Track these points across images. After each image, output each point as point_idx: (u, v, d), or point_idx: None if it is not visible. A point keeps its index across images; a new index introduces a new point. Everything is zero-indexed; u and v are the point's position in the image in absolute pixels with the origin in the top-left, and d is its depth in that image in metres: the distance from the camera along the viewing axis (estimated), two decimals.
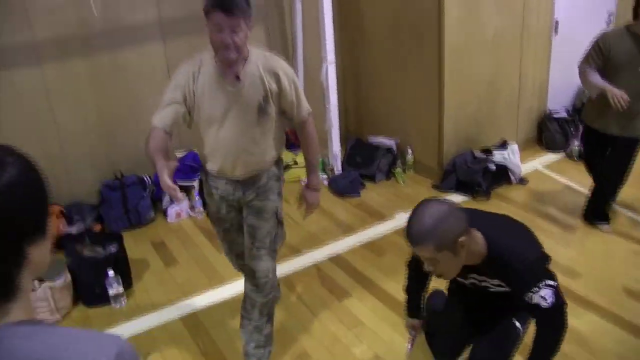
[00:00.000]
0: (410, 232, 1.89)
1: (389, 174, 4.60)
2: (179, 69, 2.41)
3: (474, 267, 2.06)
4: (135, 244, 3.93)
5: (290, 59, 4.90)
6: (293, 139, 4.84)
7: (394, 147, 4.66)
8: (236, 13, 2.17)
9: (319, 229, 4.01)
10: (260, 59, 2.36)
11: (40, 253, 0.94)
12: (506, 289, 2.09)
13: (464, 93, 4.36)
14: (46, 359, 0.84)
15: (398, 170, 4.55)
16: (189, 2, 4.29)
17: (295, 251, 3.77)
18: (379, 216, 4.11)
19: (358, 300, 3.23)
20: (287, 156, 4.74)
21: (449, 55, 4.16)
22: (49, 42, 3.95)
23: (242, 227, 2.62)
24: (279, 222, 2.63)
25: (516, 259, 1.95)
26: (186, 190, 4.34)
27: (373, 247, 3.74)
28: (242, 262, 2.75)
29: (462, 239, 1.86)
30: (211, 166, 2.51)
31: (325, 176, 4.66)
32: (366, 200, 4.36)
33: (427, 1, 4.11)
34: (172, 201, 4.30)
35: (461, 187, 4.26)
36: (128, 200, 4.14)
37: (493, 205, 4.10)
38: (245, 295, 2.67)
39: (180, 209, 4.30)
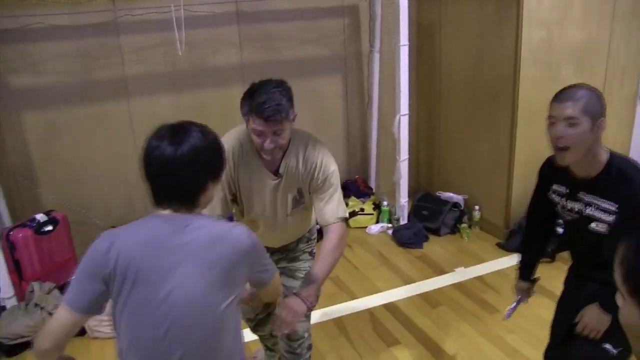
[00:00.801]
0: (563, 91, 1.97)
1: (454, 229, 4.58)
2: None
3: (586, 182, 2.01)
4: None
5: (365, 109, 5.05)
6: (362, 187, 4.96)
7: (462, 203, 4.65)
8: (279, 119, 2.03)
9: (377, 276, 4.05)
10: (301, 150, 2.26)
11: (211, 191, 1.65)
12: (609, 222, 1.95)
13: (536, 155, 4.28)
14: (221, 233, 1.57)
15: (464, 226, 4.53)
16: (268, 47, 4.57)
17: (351, 296, 3.82)
18: (439, 270, 4.09)
19: (407, 348, 3.22)
20: (355, 204, 4.84)
21: (522, 117, 4.15)
22: (137, 78, 4.31)
23: None
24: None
25: (637, 172, 1.91)
26: None
27: (428, 298, 3.72)
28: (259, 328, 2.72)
29: (602, 119, 1.92)
30: None
31: (389, 225, 4.71)
32: (428, 252, 4.36)
33: (503, 62, 4.15)
34: None
35: None
36: None
37: (557, 268, 3.97)
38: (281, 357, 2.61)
39: None
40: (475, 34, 4.40)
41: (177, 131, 1.62)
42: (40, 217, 3.78)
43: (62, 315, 1.54)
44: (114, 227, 4.18)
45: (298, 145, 2.26)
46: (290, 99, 2.10)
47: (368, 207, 4.82)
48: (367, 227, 4.74)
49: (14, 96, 4.04)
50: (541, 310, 3.44)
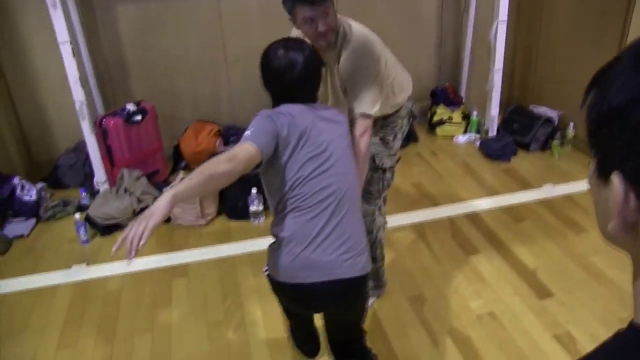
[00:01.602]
0: None
1: (545, 145, 4.36)
2: None
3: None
4: None
5: (462, 14, 4.79)
6: (452, 95, 4.78)
7: (556, 119, 4.40)
8: (321, 1, 2.10)
9: (461, 186, 3.95)
10: (353, 45, 2.27)
11: None
12: None
13: None
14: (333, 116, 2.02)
15: (555, 142, 4.29)
16: None
17: (433, 203, 3.76)
18: (526, 184, 3.94)
19: (485, 258, 3.16)
20: (443, 112, 4.69)
21: (634, 33, 3.81)
22: None
23: None
24: (378, 168, 2.56)
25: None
26: None
27: (512, 212, 3.61)
28: None
29: None
30: None
31: (477, 136, 4.55)
32: (516, 167, 4.20)
33: None
34: None
35: None
36: None
37: None
38: None
39: None
40: None
41: (294, 45, 1.99)
42: (131, 106, 3.88)
43: (247, 147, 1.75)
44: (200, 120, 4.32)
45: (348, 37, 2.28)
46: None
47: (457, 116, 4.66)
48: (454, 136, 4.60)
49: None
50: None
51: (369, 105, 2.27)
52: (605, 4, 3.93)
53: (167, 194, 1.60)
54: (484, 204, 3.72)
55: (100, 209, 3.57)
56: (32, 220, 3.69)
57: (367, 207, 2.60)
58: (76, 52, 3.60)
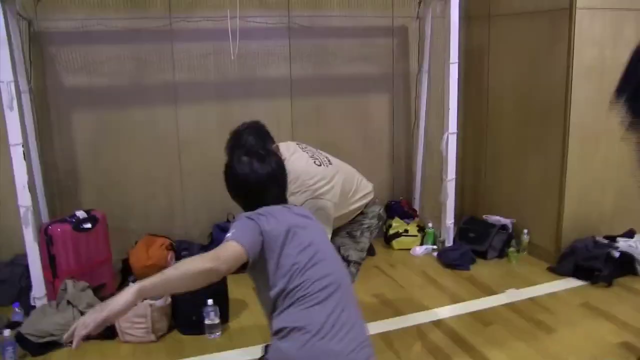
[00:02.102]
0: None
1: (502, 253, 4.38)
2: None
3: None
4: (237, 286, 3.88)
5: (412, 129, 4.95)
6: (407, 208, 4.82)
7: (510, 227, 4.46)
8: None
9: (423, 295, 3.85)
10: None
11: None
12: None
13: (589, 179, 4.16)
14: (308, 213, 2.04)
15: (512, 250, 4.32)
16: (318, 63, 4.56)
17: (397, 312, 3.62)
18: (489, 291, 3.88)
19: None
20: (399, 225, 4.69)
21: (574, 138, 4.03)
22: (188, 85, 4.29)
23: None
24: (343, 259, 2.59)
25: None
26: None
27: (479, 317, 3.50)
28: None
29: None
30: None
31: (434, 247, 4.53)
32: (476, 274, 4.15)
33: (554, 81, 4.05)
34: None
35: (579, 272, 3.95)
36: None
37: (614, 294, 3.76)
38: None
39: None
40: (526, 53, 4.33)
41: (255, 150, 2.10)
42: (80, 213, 3.69)
43: (230, 245, 1.69)
44: (151, 234, 4.13)
45: None
46: (261, 137, 2.53)
47: (412, 228, 4.65)
48: (411, 248, 4.56)
49: (68, 95, 4.06)
50: (605, 334, 3.25)
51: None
52: (545, 113, 4.16)
53: (133, 286, 1.50)
54: (449, 310, 3.61)
55: (36, 325, 3.23)
56: None
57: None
58: (27, 156, 3.45)
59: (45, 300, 3.53)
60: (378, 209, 2.71)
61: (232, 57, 3.93)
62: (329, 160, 2.68)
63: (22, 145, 3.41)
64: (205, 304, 3.33)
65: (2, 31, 3.29)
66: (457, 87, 4.29)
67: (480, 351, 3.10)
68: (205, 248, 4.27)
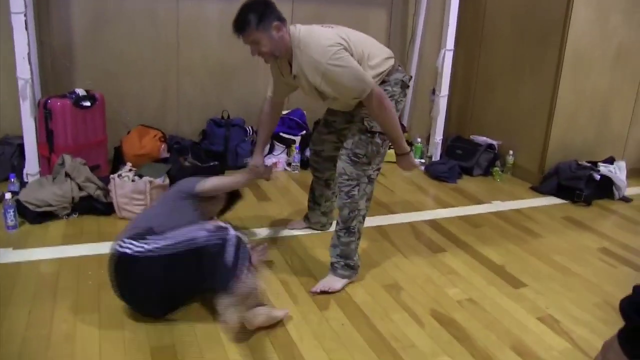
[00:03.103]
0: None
1: (487, 171, 4.53)
2: None
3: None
4: None
5: (407, 45, 4.98)
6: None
7: (496, 147, 4.60)
8: (247, 31, 2.39)
9: (414, 199, 3.96)
10: (302, 58, 2.43)
11: None
12: None
13: (577, 105, 4.30)
14: None
15: (496, 169, 4.47)
16: None
17: (390, 211, 3.72)
18: (476, 200, 4.03)
19: (452, 256, 3.12)
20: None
21: (568, 63, 4.14)
22: None
23: (341, 128, 2.92)
24: (367, 130, 2.56)
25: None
26: (287, 144, 4.39)
27: (469, 220, 3.64)
28: (316, 159, 3.08)
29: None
30: None
31: (422, 161, 4.63)
32: (462, 187, 4.30)
33: (555, 5, 4.13)
34: (270, 152, 4.36)
35: (561, 191, 4.14)
36: (230, 139, 4.21)
37: (593, 213, 3.95)
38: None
39: (277, 160, 4.34)
40: None
41: None
42: (80, 91, 3.61)
43: None
44: (144, 125, 4.09)
45: (299, 53, 2.44)
46: (259, 13, 2.37)
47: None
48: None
49: None
50: (586, 241, 3.43)
51: (361, 85, 2.38)
52: (543, 34, 4.24)
53: None
54: (439, 213, 3.74)
55: (34, 194, 3.20)
56: None
57: (352, 170, 2.59)
58: (27, 27, 3.33)
59: (38, 177, 3.49)
60: (402, 76, 2.66)
61: None
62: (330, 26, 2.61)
63: (24, 15, 3.30)
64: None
65: None
66: (457, 4, 4.32)
67: (472, 247, 3.24)
68: (197, 144, 4.26)
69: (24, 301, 2.40)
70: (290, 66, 2.52)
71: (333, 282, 2.66)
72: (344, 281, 2.70)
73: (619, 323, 1.05)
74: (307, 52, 2.39)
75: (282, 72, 2.67)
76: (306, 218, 3.30)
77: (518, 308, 2.63)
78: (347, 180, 2.59)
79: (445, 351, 2.25)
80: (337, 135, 2.94)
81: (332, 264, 2.71)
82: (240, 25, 2.39)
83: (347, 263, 2.69)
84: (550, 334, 2.43)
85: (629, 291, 1.06)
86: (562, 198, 4.13)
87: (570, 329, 2.46)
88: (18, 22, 3.29)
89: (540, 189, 4.26)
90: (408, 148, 2.66)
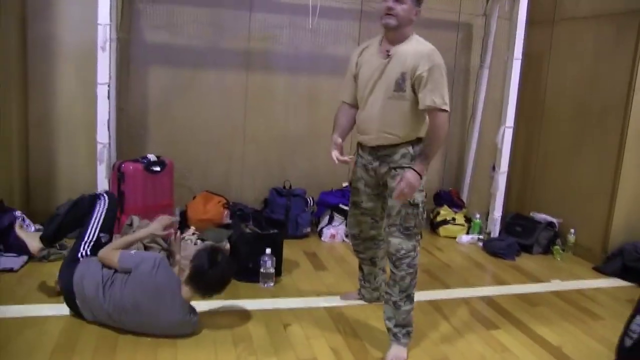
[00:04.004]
0: None
1: (547, 250, 4.45)
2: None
3: None
4: (289, 249, 4.03)
5: (467, 123, 5.06)
6: (456, 198, 4.91)
7: (556, 225, 4.54)
8: None
9: (470, 275, 3.94)
10: (415, 44, 2.60)
11: None
12: None
13: None
14: None
15: (557, 247, 4.40)
16: None
17: (445, 286, 3.71)
18: (534, 279, 3.95)
19: (507, 333, 3.06)
20: (447, 213, 4.79)
21: (632, 141, 4.10)
22: (260, 53, 4.47)
23: (369, 208, 2.92)
24: (412, 204, 2.63)
25: None
26: (346, 215, 4.48)
27: (525, 299, 3.57)
28: (356, 242, 3.09)
29: None
30: (360, 135, 2.81)
31: (480, 237, 4.61)
32: (521, 264, 4.23)
33: (617, 85, 4.15)
34: (329, 223, 4.45)
35: (627, 273, 4.01)
36: (291, 209, 4.34)
37: None
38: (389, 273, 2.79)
39: (335, 232, 4.42)
40: (589, 55, 4.44)
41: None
42: (151, 156, 3.87)
43: None
44: (209, 191, 4.29)
45: (417, 42, 2.61)
46: None
47: (459, 218, 4.75)
48: (457, 236, 4.65)
49: (148, 50, 4.28)
50: None
51: (445, 99, 2.53)
52: (604, 114, 4.24)
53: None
54: (495, 290, 3.70)
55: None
56: (24, 258, 3.45)
57: (408, 243, 2.67)
58: (109, 96, 3.64)
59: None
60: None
61: (310, 26, 4.10)
62: None
63: (108, 85, 3.61)
64: (264, 253, 3.46)
65: None
66: (517, 82, 4.41)
67: (527, 326, 3.17)
68: (258, 212, 4.40)
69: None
70: (389, 49, 2.61)
71: (400, 352, 2.69)
72: (405, 349, 2.71)
73: None
74: (425, 45, 2.58)
75: (370, 55, 2.71)
76: (360, 293, 3.33)
77: None
78: (406, 253, 2.66)
79: None
80: (370, 215, 2.96)
81: (394, 334, 2.72)
82: None
83: (408, 331, 2.73)
84: None
85: None
86: (628, 280, 3.99)
87: None
88: (102, 92, 3.61)
89: (603, 270, 4.14)
90: (424, 171, 2.58)
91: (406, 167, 2.60)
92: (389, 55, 2.60)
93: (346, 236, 4.46)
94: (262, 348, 2.70)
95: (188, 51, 4.34)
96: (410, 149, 2.67)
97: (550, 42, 4.82)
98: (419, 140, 2.68)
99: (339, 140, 2.76)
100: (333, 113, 2.91)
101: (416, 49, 2.57)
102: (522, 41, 4.35)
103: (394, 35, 2.60)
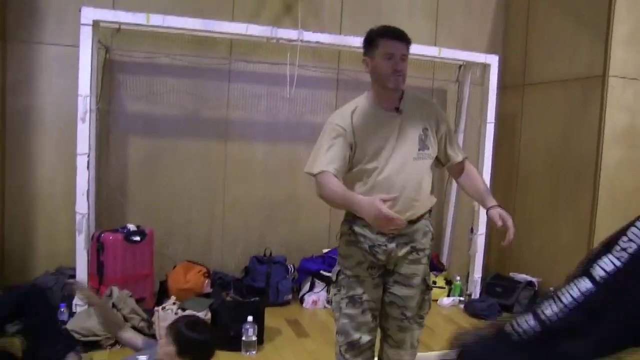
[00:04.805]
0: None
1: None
2: (331, 119, 2.38)
3: None
4: (270, 316, 3.99)
5: (445, 187, 5.16)
6: (436, 262, 4.94)
7: (536, 284, 4.57)
8: (406, 40, 2.30)
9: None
10: (415, 95, 2.44)
11: None
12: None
13: None
14: None
15: None
16: None
17: (428, 348, 3.69)
18: None
19: None
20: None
21: (604, 200, 4.21)
22: (238, 122, 4.57)
23: (374, 300, 2.40)
24: (428, 287, 2.49)
25: None
26: (328, 282, 4.47)
27: None
28: (354, 353, 2.42)
29: None
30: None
31: (461, 299, 4.62)
32: None
33: (586, 145, 4.29)
34: (310, 289, 4.44)
35: None
36: (272, 276, 4.33)
37: None
38: None
39: (317, 298, 4.40)
40: (558, 118, 4.60)
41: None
42: (131, 226, 3.86)
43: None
44: (189, 261, 4.27)
45: (411, 91, 2.42)
46: None
47: (440, 281, 4.75)
48: (438, 299, 4.65)
49: (128, 120, 4.34)
50: None
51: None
52: (577, 172, 4.38)
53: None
54: None
55: (81, 324, 3.34)
56: None
57: (419, 333, 2.51)
58: (89, 166, 3.67)
59: (86, 308, 3.64)
60: None
61: (288, 95, 4.21)
62: None
63: (88, 155, 3.64)
64: (245, 321, 3.43)
65: (88, 53, 3.62)
66: (492, 145, 4.54)
67: None
68: (239, 281, 4.38)
69: None
70: (396, 105, 2.34)
71: None
72: None
73: None
74: (423, 95, 2.58)
75: (371, 119, 2.31)
76: None
77: None
78: (417, 344, 2.51)
79: None
80: (371, 312, 2.41)
81: None
82: (409, 38, 2.32)
83: None
84: None
85: None
86: None
87: None
88: (82, 162, 3.63)
89: None
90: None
91: (493, 206, 2.40)
92: (398, 110, 2.33)
93: (328, 302, 4.43)
94: None
95: (168, 120, 4.41)
96: (428, 224, 2.43)
97: (521, 105, 5.01)
98: (430, 212, 2.45)
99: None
100: (309, 180, 2.47)
101: (420, 98, 2.46)
102: (494, 106, 4.52)
103: (397, 93, 2.36)
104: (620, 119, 4.21)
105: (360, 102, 2.38)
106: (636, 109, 4.24)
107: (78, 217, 3.63)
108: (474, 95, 4.93)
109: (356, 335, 2.37)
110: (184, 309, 3.48)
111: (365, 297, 2.36)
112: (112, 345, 3.36)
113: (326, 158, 2.27)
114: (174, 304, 3.55)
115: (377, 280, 2.39)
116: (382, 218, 2.03)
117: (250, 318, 3.43)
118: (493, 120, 4.51)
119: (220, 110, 4.52)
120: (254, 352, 3.45)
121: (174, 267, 4.24)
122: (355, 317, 2.37)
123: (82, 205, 3.64)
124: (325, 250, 4.61)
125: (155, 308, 3.45)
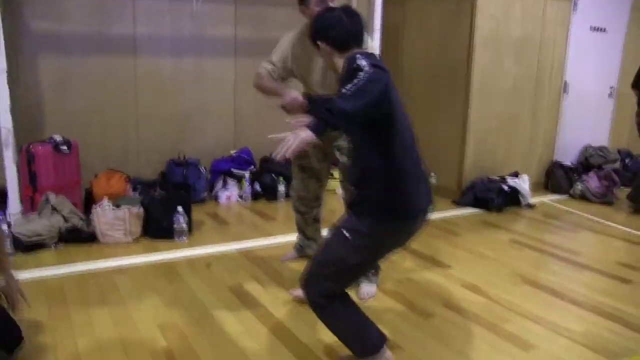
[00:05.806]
0: None
1: None
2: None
3: None
4: (192, 212, 4.44)
5: None
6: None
7: None
8: None
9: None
10: None
11: None
12: None
13: (484, 132, 5.15)
14: None
15: None
16: (259, 28, 5.22)
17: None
18: None
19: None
20: None
21: (474, 98, 5.00)
22: (145, 38, 4.81)
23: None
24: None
25: None
26: (238, 179, 4.97)
27: None
28: (303, 202, 3.37)
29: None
30: None
31: None
32: None
33: (459, 52, 5.02)
34: (223, 186, 4.92)
35: (477, 202, 4.90)
36: (188, 177, 4.75)
37: (504, 217, 4.72)
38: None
39: (230, 194, 4.90)
40: (436, 27, 5.27)
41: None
42: (57, 137, 4.09)
43: None
44: (110, 169, 4.57)
45: None
46: None
47: (337, 173, 5.35)
48: (335, 189, 5.25)
49: (34, 40, 4.41)
50: (499, 235, 4.15)
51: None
52: (452, 75, 5.13)
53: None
54: None
55: (26, 226, 3.62)
56: None
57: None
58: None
59: (20, 216, 3.90)
60: None
61: (195, 9, 4.49)
62: None
63: (6, 71, 3.80)
64: (176, 211, 3.87)
65: None
66: (378, 53, 5.08)
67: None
68: (156, 183, 4.74)
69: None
70: None
71: (370, 288, 3.11)
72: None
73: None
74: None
75: (307, 53, 2.88)
76: (302, 251, 3.57)
77: (445, 280, 3.27)
78: None
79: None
80: (315, 178, 3.31)
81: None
82: None
83: (376, 270, 3.15)
84: (472, 294, 3.08)
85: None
86: (479, 208, 4.89)
87: (487, 290, 3.13)
88: (2, 79, 3.78)
89: (460, 202, 5.01)
90: None
91: None
92: None
93: (240, 197, 4.94)
94: (194, 283, 3.19)
95: (76, 38, 4.53)
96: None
97: (403, 16, 5.61)
98: None
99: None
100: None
101: None
102: (380, 16, 5.04)
103: None
104: (487, 27, 4.93)
105: (302, 30, 2.93)
106: (500, 17, 4.98)
107: (4, 131, 3.81)
108: (361, 8, 5.42)
109: (301, 192, 3.35)
110: (118, 206, 3.85)
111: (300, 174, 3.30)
112: (56, 244, 3.68)
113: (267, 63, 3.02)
114: (107, 203, 3.90)
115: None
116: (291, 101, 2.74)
117: (180, 208, 3.89)
118: (379, 28, 5.06)
119: (126, 26, 4.70)
120: (185, 239, 3.91)
121: (96, 175, 4.53)
122: (301, 179, 3.31)
123: (7, 120, 3.81)
124: (233, 152, 5.08)
125: (93, 206, 3.80)
